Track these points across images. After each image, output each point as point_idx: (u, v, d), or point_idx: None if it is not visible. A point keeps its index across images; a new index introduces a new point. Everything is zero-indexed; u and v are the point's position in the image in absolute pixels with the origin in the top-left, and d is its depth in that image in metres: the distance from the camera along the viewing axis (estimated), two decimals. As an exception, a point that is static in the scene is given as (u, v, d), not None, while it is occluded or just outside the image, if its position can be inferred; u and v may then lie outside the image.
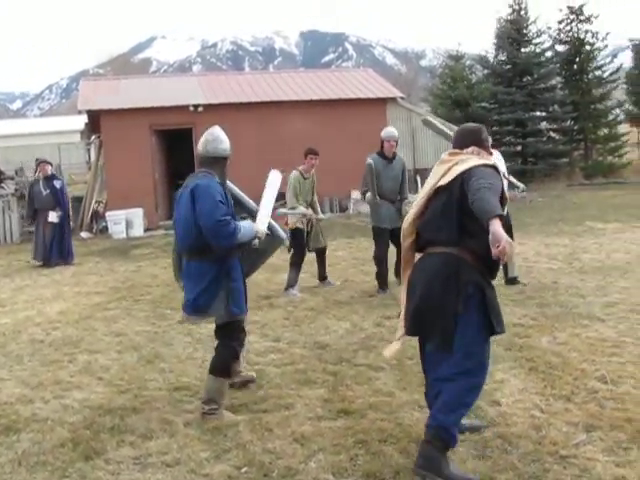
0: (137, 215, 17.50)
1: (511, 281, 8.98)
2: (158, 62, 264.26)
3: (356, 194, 18.43)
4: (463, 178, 4.02)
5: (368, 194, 9.06)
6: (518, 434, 4.46)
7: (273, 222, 5.48)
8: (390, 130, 9.38)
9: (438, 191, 4.16)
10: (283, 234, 5.66)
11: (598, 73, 28.26)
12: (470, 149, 4.33)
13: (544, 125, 27.82)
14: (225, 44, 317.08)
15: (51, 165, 13.78)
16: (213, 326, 7.16)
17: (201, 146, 5.15)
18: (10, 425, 4.98)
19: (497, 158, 8.98)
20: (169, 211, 19.38)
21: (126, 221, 17.19)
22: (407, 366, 5.91)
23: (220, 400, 5.00)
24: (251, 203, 5.63)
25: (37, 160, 14.10)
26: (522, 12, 27.62)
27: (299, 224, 9.24)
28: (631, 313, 7.27)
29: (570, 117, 27.00)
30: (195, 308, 5.02)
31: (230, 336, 5.08)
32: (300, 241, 9.26)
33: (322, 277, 9.67)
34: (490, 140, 8.85)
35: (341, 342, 6.78)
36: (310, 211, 9.34)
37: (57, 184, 13.28)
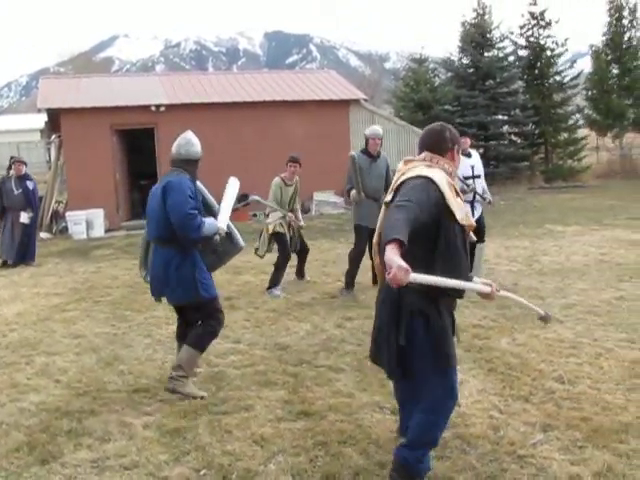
0: (98, 216, 17.28)
1: None
2: (120, 61, 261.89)
3: (319, 195, 18.49)
4: (397, 194, 3.70)
5: (353, 191, 8.97)
6: (477, 434, 4.51)
7: (234, 228, 5.87)
8: (375, 128, 9.34)
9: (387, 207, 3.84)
10: (242, 242, 5.96)
11: (558, 78, 28.61)
12: (422, 155, 3.92)
13: (506, 129, 28.09)
14: (189, 44, 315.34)
15: (25, 165, 13.48)
16: (173, 327, 7.17)
17: (174, 149, 5.55)
18: (-37, 429, 4.89)
19: (476, 159, 9.04)
20: (130, 212, 19.22)
21: (86, 221, 16.96)
22: (367, 368, 5.91)
23: (189, 370, 5.42)
24: (215, 204, 5.97)
25: (12, 158, 13.86)
26: (486, 16, 27.87)
27: (279, 228, 9.18)
28: (588, 314, 7.39)
29: (531, 121, 27.31)
30: (161, 291, 5.53)
31: (209, 316, 5.51)
32: (283, 244, 9.21)
33: (300, 274, 9.84)
34: (468, 141, 8.89)
35: (302, 343, 6.77)
36: (289, 214, 9.25)
37: (30, 185, 13.03)
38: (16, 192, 12.83)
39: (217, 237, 5.58)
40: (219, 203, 5.90)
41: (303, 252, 9.70)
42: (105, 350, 6.84)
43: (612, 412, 4.77)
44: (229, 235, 5.75)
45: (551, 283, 9.03)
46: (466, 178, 8.82)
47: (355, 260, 9.05)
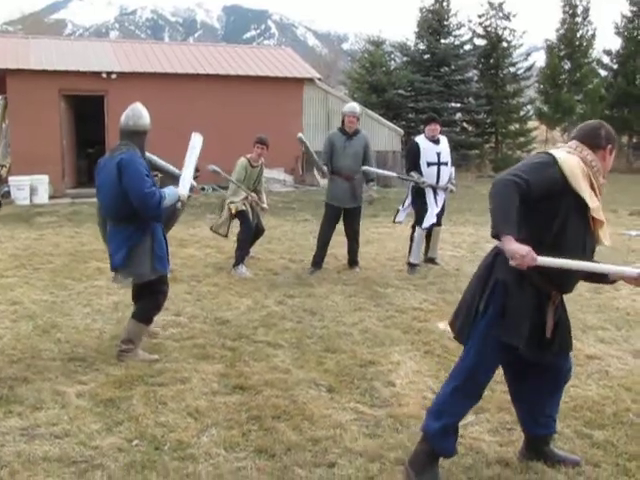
0: (42, 182, 16.94)
1: (430, 260, 9.38)
2: (73, 25, 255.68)
3: (268, 173, 18.40)
4: None
5: (325, 167, 8.85)
6: (410, 414, 4.57)
7: (193, 182, 5.99)
8: (352, 105, 9.18)
9: None
10: (195, 184, 6.11)
11: (512, 69, 29.03)
12: (570, 143, 3.73)
13: (458, 116, 28.38)
14: (145, 12, 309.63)
15: None
16: (114, 298, 7.08)
17: (123, 120, 5.52)
18: None
19: (444, 146, 9.01)
20: (76, 179, 18.89)
21: (30, 187, 16.62)
22: (306, 345, 5.97)
23: (137, 342, 5.54)
24: (172, 168, 6.13)
25: None
26: (444, 3, 28.03)
27: (241, 207, 8.87)
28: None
29: (483, 110, 27.68)
30: (122, 269, 5.51)
31: (155, 289, 5.57)
32: (246, 222, 8.93)
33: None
34: (438, 128, 8.84)
35: (242, 318, 6.76)
36: (252, 194, 8.93)
37: None
38: None
39: (179, 204, 5.69)
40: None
41: (258, 233, 9.49)
42: (42, 318, 6.72)
43: (541, 397, 4.88)
44: (190, 194, 5.91)
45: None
46: (430, 164, 8.83)
47: (323, 242, 8.96)
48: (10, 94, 18.08)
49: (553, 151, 3.59)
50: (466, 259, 9.95)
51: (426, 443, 3.76)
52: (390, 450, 4.07)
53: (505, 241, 3.28)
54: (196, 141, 6.19)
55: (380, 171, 9.59)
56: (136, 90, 18.42)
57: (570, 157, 3.53)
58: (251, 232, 9.03)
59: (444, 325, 4.94)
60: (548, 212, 3.48)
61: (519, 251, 3.24)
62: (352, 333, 6.33)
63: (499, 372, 5.31)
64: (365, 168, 8.81)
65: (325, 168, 8.86)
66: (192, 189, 5.96)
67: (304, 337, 6.17)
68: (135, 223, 5.35)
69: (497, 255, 3.64)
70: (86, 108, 19.13)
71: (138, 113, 5.54)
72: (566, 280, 3.63)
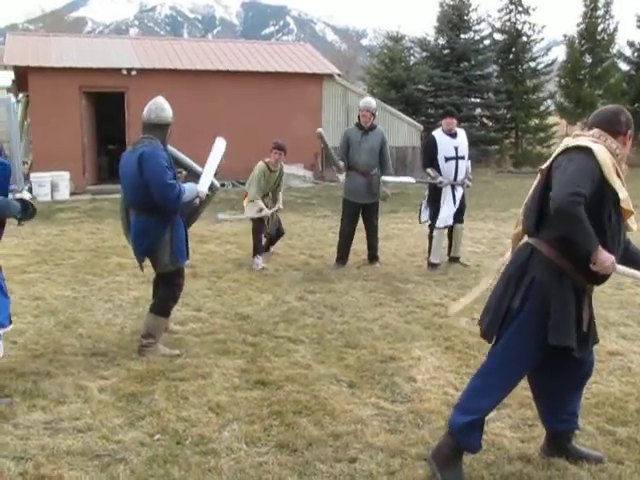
0: (63, 178, 17.04)
1: (453, 259, 9.22)
2: (93, 22, 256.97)
3: (287, 168, 18.40)
4: (555, 162, 3.55)
5: (341, 162, 8.85)
6: (431, 410, 4.57)
7: (214, 180, 6.04)
8: (367, 100, 9.12)
9: (545, 174, 3.66)
10: (217, 184, 6.19)
11: (532, 64, 28.79)
12: (592, 132, 3.66)
13: (478, 112, 28.22)
14: (164, 9, 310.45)
15: None
16: (135, 293, 7.13)
17: (145, 113, 5.58)
18: None
19: (462, 140, 8.86)
20: (97, 176, 19.00)
21: (51, 184, 16.72)
22: (326, 340, 5.97)
23: (157, 335, 5.59)
24: (194, 165, 6.18)
25: None
26: (464, -2, 27.87)
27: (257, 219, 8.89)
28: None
29: (503, 105, 27.47)
30: (139, 255, 5.66)
31: (171, 281, 5.66)
32: (258, 227, 8.94)
33: (266, 249, 9.54)
34: (454, 121, 8.75)
35: (262, 314, 6.78)
36: (265, 210, 8.86)
37: None
38: None
39: (197, 200, 5.76)
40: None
41: (278, 235, 9.53)
42: (64, 313, 6.78)
43: (563, 393, 4.86)
44: (210, 193, 5.95)
45: (513, 265, 9.11)
46: (448, 159, 8.73)
47: (344, 236, 8.96)
48: (32, 91, 18.20)
49: (587, 143, 3.50)
50: (487, 255, 9.90)
51: (451, 438, 3.73)
52: (411, 446, 4.07)
53: (596, 254, 3.32)
54: (220, 145, 6.23)
55: (398, 179, 9.48)
56: (156, 86, 18.39)
57: (600, 147, 3.49)
58: (262, 223, 8.98)
59: (454, 311, 4.91)
60: (595, 208, 3.39)
61: (609, 259, 3.34)
62: (373, 329, 6.33)
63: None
64: (384, 178, 8.76)
65: (341, 164, 8.84)
66: (212, 188, 5.98)
67: (325, 333, 6.18)
68: (157, 215, 5.43)
69: (532, 253, 3.59)
70: (107, 105, 19.21)
71: (160, 106, 5.60)
72: (604, 274, 3.57)
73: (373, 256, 9.08)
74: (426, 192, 9.15)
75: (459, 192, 8.93)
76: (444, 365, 5.44)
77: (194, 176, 6.00)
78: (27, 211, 4.97)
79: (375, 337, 6.09)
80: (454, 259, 9.22)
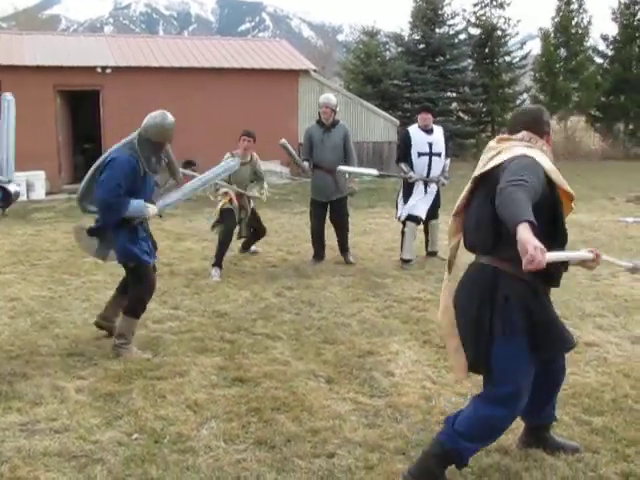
0: (39, 178, 16.89)
1: (431, 254, 9.23)
2: (67, 20, 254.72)
3: (264, 165, 18.38)
4: (499, 173, 3.35)
5: (305, 163, 8.74)
6: (409, 404, 4.59)
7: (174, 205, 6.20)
8: (327, 96, 8.94)
9: (477, 184, 3.60)
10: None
11: (508, 58, 28.98)
12: (520, 135, 3.65)
13: (454, 106, 28.34)
14: (139, 6, 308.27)
15: None
16: (111, 292, 7.08)
17: (146, 124, 5.64)
18: None
19: (438, 137, 8.79)
20: (73, 175, 18.82)
21: (27, 183, 16.55)
22: (304, 336, 5.98)
23: (129, 336, 5.56)
24: (179, 173, 6.17)
25: None
26: (438, -7, 27.95)
27: (228, 204, 8.42)
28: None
29: (479, 99, 27.62)
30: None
31: (138, 281, 5.62)
32: (228, 222, 8.40)
33: (245, 248, 9.40)
34: (429, 117, 8.69)
35: (240, 311, 6.77)
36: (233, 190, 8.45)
37: None
38: None
39: (137, 221, 5.55)
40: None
41: (259, 234, 9.16)
42: (40, 313, 6.73)
43: (540, 385, 4.90)
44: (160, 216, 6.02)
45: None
46: (421, 154, 8.69)
47: (316, 236, 8.93)
48: (4, 91, 18.00)
49: (527, 152, 3.44)
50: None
51: (441, 455, 3.57)
52: (389, 440, 4.09)
53: (521, 230, 2.91)
54: (217, 170, 6.63)
55: (357, 170, 8.96)
56: (131, 84, 18.42)
57: (538, 154, 3.47)
58: (231, 234, 8.45)
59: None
60: (543, 208, 3.31)
61: (533, 241, 2.84)
62: (350, 324, 6.34)
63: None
64: (340, 168, 8.48)
65: (306, 164, 8.72)
66: (161, 213, 5.91)
67: (303, 329, 6.18)
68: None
69: (495, 273, 3.46)
70: (81, 103, 19.08)
71: (165, 124, 5.70)
72: (559, 274, 3.55)
73: (344, 248, 8.97)
74: (400, 188, 9.12)
75: (432, 188, 8.89)
76: (422, 359, 5.47)
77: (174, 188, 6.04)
78: (7, 200, 5.10)
79: (353, 332, 6.11)
80: (432, 254, 9.21)
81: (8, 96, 5.70)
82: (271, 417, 4.36)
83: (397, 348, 5.69)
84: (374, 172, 9.36)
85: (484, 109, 27.96)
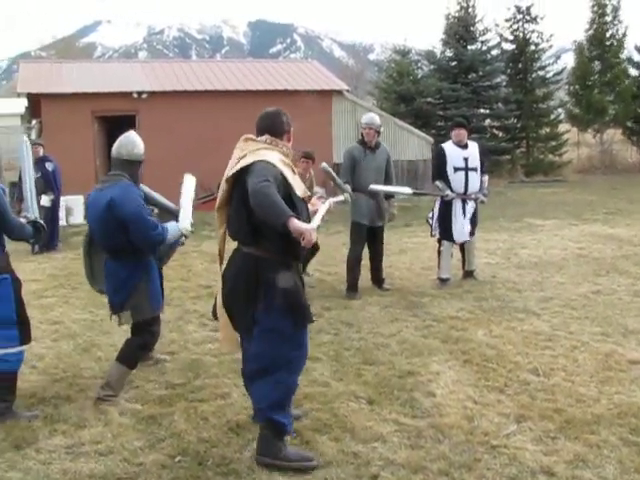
0: (77, 202, 17.11)
1: (468, 274, 8.98)
2: (103, 47, 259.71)
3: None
4: (246, 176, 3.91)
5: (347, 186, 8.17)
6: (451, 424, 4.55)
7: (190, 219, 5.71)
8: (371, 116, 8.59)
9: (232, 183, 4.09)
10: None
11: (542, 73, 28.77)
12: (264, 137, 4.20)
13: (488, 122, 28.20)
14: (172, 31, 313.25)
15: (43, 147, 13.10)
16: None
17: (115, 149, 5.27)
18: (-63, 413, 4.86)
19: (473, 151, 8.65)
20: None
21: (66, 208, 16.82)
22: (344, 357, 5.97)
23: (118, 388, 5.13)
24: (167, 202, 5.89)
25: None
26: (470, 9, 27.93)
27: None
28: (565, 308, 7.46)
29: (513, 115, 27.46)
30: (116, 306, 5.28)
31: (144, 329, 5.28)
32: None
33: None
34: (463, 133, 8.58)
35: (280, 333, 6.76)
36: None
37: (49, 166, 12.67)
38: (36, 176, 12.32)
39: (183, 239, 5.50)
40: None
41: (314, 251, 8.79)
42: (82, 336, 6.83)
43: (585, 404, 4.84)
44: (192, 230, 5.64)
45: (529, 276, 9.10)
46: (457, 169, 8.52)
47: (355, 262, 8.48)
48: (45, 118, 18.39)
49: (267, 156, 3.97)
50: (501, 266, 9.88)
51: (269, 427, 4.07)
52: (433, 461, 4.06)
53: (291, 223, 3.67)
54: (189, 182, 5.93)
55: (390, 188, 8.66)
56: (166, 108, 18.68)
57: (275, 155, 4.02)
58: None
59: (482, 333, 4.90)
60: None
61: (306, 227, 3.71)
62: (390, 344, 6.32)
63: (538, 380, 5.27)
64: (372, 187, 8.16)
65: (348, 187, 8.14)
66: (192, 224, 5.66)
67: (342, 349, 6.18)
68: (131, 258, 5.12)
69: (257, 261, 4.03)
70: (118, 128, 19.32)
71: (132, 141, 5.30)
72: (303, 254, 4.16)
73: (380, 278, 8.66)
74: (436, 206, 8.90)
75: (470, 206, 8.69)
76: (462, 379, 5.42)
77: (168, 214, 5.70)
78: (39, 234, 5.13)
79: (393, 352, 6.08)
80: (469, 273, 8.98)
81: (24, 138, 5.73)
82: (312, 438, 4.35)
83: (437, 368, 5.65)
84: (408, 191, 9.10)
85: (518, 125, 27.76)
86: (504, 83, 28.42)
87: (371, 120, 8.42)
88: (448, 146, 8.75)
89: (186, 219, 5.49)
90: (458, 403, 4.93)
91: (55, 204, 12.84)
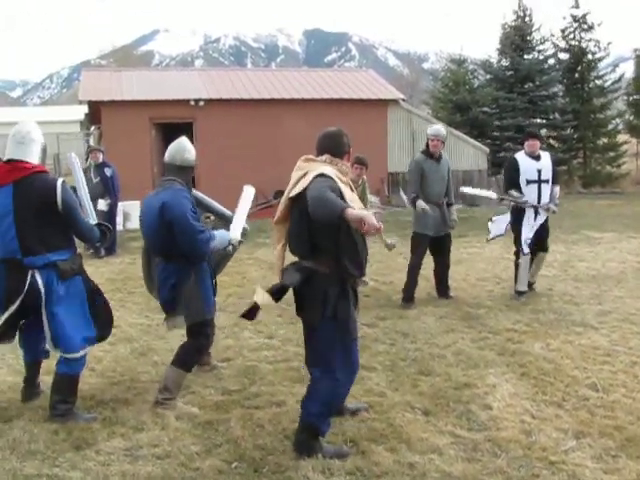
0: (134, 207, 17.36)
1: (528, 285, 8.70)
2: (160, 55, 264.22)
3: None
4: (305, 192, 4.04)
5: (419, 201, 8.22)
6: (508, 438, 4.49)
7: (246, 226, 5.78)
8: (436, 127, 8.69)
9: (292, 203, 4.25)
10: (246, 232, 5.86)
11: (599, 82, 28.29)
12: (324, 157, 4.34)
13: (544, 132, 27.83)
14: (228, 39, 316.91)
15: (102, 152, 13.37)
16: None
17: (168, 155, 5.39)
18: (2, 413, 5.00)
19: (546, 163, 8.42)
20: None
21: (123, 213, 17.13)
22: (400, 367, 5.95)
23: (175, 391, 5.20)
24: (223, 209, 5.95)
25: (89, 147, 13.69)
26: (527, 19, 27.66)
27: None
28: (624, 322, 7.31)
29: (570, 125, 27.05)
30: (169, 309, 5.36)
31: (199, 332, 5.33)
32: None
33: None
34: (537, 144, 8.45)
35: (335, 341, 6.77)
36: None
37: (108, 172, 12.90)
38: (94, 180, 12.51)
39: (230, 248, 5.49)
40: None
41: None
42: (139, 341, 6.94)
43: (647, 422, 4.73)
44: (242, 240, 5.65)
45: (586, 289, 8.94)
46: (530, 182, 8.33)
47: (415, 272, 8.48)
48: (104, 124, 18.78)
49: (325, 171, 4.12)
50: (559, 278, 9.73)
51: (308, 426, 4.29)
52: (490, 475, 4.02)
53: (348, 213, 3.71)
54: (248, 194, 5.99)
55: (479, 192, 9.01)
56: (223, 116, 18.90)
57: (331, 170, 4.16)
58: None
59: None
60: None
61: (363, 213, 3.74)
62: (446, 355, 6.27)
63: (597, 395, 5.17)
64: (463, 189, 8.49)
65: (421, 205, 8.20)
66: (244, 233, 5.72)
67: (397, 360, 6.15)
68: (183, 262, 5.18)
69: (315, 274, 4.22)
70: (175, 135, 19.61)
71: (184, 148, 5.41)
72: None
73: (446, 285, 8.70)
74: (503, 219, 8.79)
75: (542, 216, 8.51)
76: (520, 392, 5.35)
77: (223, 221, 5.78)
78: (104, 239, 5.27)
79: (448, 364, 6.04)
80: (529, 284, 8.75)
81: (73, 154, 5.88)
82: (368, 448, 4.34)
83: (494, 381, 5.59)
84: (493, 195, 9.24)
85: (575, 135, 27.33)
86: (561, 93, 28.02)
87: (437, 131, 8.49)
88: (521, 157, 8.48)
89: (237, 229, 5.54)
90: (515, 417, 4.87)
91: (112, 209, 13.06)
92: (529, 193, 8.38)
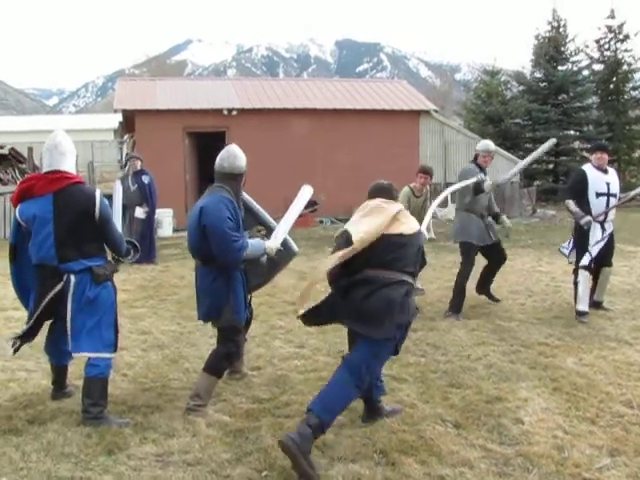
0: (167, 215, 17.59)
1: (596, 304, 8.49)
2: (194, 65, 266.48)
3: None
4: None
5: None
6: (540, 454, 4.44)
7: (288, 237, 5.75)
8: (486, 143, 8.87)
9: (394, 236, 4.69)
10: (295, 248, 5.94)
11: (635, 94, 28.02)
12: (377, 201, 4.94)
13: (577, 144, 27.61)
14: (260, 49, 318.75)
15: (141, 160, 13.43)
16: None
17: (218, 162, 5.41)
18: (37, 415, 5.07)
19: (613, 177, 8.33)
20: (198, 213, 19.54)
21: (156, 221, 17.25)
22: (430, 379, 5.91)
23: (207, 398, 5.22)
24: (268, 217, 5.96)
25: (128, 155, 13.79)
26: (561, 30, 27.52)
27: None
28: (659, 338, 7.20)
29: (604, 137, 26.80)
30: (203, 311, 5.45)
31: (229, 339, 5.34)
32: None
33: None
34: (605, 157, 8.36)
35: (365, 352, 6.76)
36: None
37: (145, 179, 12.99)
38: (132, 188, 12.69)
39: (264, 258, 5.40)
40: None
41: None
42: (170, 347, 6.98)
43: (683, 440, 4.65)
44: (282, 248, 5.58)
45: (621, 304, 8.83)
46: (600, 195, 8.12)
47: (464, 281, 8.48)
48: (138, 133, 19.01)
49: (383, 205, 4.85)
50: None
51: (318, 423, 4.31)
52: (522, 490, 3.97)
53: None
54: (306, 192, 6.01)
55: (512, 172, 9.33)
56: (256, 125, 19.03)
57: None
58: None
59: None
60: None
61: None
62: (477, 368, 6.23)
63: (632, 412, 5.09)
64: (513, 171, 9.03)
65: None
66: (288, 246, 5.73)
67: (428, 372, 6.12)
68: (215, 267, 5.21)
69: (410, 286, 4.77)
70: (208, 144, 19.82)
71: (234, 154, 5.41)
72: None
73: (488, 286, 9.08)
74: (572, 231, 8.65)
75: (609, 228, 8.35)
76: (552, 407, 5.29)
77: (272, 233, 5.72)
78: (129, 254, 5.52)
79: (479, 377, 5.99)
80: (597, 304, 8.48)
81: (118, 182, 6.10)
82: (398, 460, 4.32)
83: (526, 395, 5.53)
84: (522, 163, 9.83)
85: (610, 148, 27.06)
86: (595, 105, 27.79)
87: (488, 147, 8.74)
88: (590, 170, 8.25)
89: (277, 239, 5.52)
90: (547, 432, 4.81)
91: (150, 217, 13.17)
92: (599, 206, 8.14)
